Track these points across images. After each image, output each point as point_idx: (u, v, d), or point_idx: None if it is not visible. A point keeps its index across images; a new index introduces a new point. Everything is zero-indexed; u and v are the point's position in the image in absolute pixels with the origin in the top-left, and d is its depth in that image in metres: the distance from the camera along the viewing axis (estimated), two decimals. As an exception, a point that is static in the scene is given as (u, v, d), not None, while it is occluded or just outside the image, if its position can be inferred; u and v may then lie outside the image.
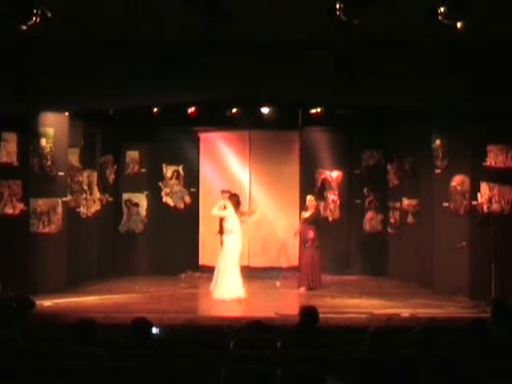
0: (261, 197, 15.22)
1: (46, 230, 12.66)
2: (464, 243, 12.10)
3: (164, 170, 15.66)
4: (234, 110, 14.38)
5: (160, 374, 5.59)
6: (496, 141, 11.98)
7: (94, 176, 14.51)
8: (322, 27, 9.19)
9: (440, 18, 8.51)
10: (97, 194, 14.64)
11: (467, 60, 11.12)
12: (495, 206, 11.98)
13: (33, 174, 12.45)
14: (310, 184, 15.35)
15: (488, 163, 12.02)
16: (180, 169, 15.69)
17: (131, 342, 6.35)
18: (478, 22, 8.90)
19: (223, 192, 13.65)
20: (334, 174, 15.70)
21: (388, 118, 14.35)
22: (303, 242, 13.58)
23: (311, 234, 13.26)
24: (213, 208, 12.89)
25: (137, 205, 15.61)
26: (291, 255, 14.97)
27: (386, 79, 11.31)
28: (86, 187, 14.16)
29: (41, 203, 12.60)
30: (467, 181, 12.44)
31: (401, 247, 14.67)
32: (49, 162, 12.66)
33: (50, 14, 8.65)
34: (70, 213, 13.25)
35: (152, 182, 15.64)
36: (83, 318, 6.92)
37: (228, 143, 15.53)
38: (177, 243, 15.17)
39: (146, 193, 15.64)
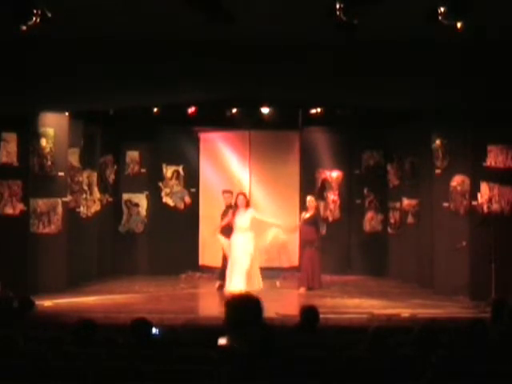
0: (261, 197, 15.20)
1: (46, 230, 12.66)
2: (464, 243, 12.11)
3: (164, 170, 15.66)
4: (234, 110, 14.38)
5: (160, 374, 5.58)
6: (496, 141, 11.97)
7: (94, 176, 14.51)
8: (322, 27, 9.20)
9: (440, 18, 8.52)
10: (97, 194, 14.64)
11: (467, 60, 11.12)
12: (495, 206, 11.97)
13: (33, 174, 12.44)
14: (310, 184, 15.35)
15: (488, 163, 12.01)
16: (180, 169, 15.69)
17: (131, 342, 6.34)
18: (478, 21, 8.91)
19: (225, 192, 13.63)
20: (334, 174, 15.70)
21: (388, 117, 14.35)
22: (304, 242, 13.57)
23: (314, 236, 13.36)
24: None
25: (137, 205, 15.61)
26: (291, 255, 14.97)
27: (386, 79, 11.31)
28: (86, 187, 14.16)
29: (41, 203, 12.60)
30: (467, 181, 12.43)
31: (401, 247, 14.67)
32: (49, 162, 12.66)
33: (50, 14, 8.66)
34: (70, 213, 13.25)
35: (152, 182, 15.64)
36: (83, 318, 6.92)
37: (228, 143, 15.53)
38: (177, 243, 15.17)
39: (146, 193, 15.64)
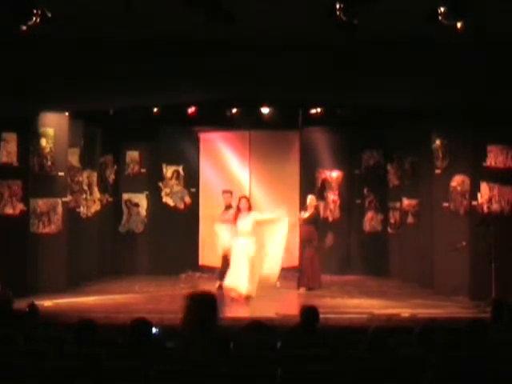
0: (261, 197, 15.19)
1: (46, 230, 12.66)
2: (464, 243, 12.10)
3: (164, 170, 15.67)
4: (234, 110, 14.39)
5: (160, 374, 5.58)
6: (496, 141, 11.97)
7: (94, 176, 14.51)
8: (322, 27, 9.20)
9: (440, 18, 8.52)
10: (97, 194, 14.64)
11: (467, 60, 11.12)
12: (495, 206, 11.97)
13: (33, 174, 12.45)
14: (310, 184, 15.34)
15: (488, 163, 12.01)
16: (180, 169, 15.70)
17: (131, 342, 6.34)
18: (478, 21, 8.91)
19: (225, 192, 13.61)
20: (334, 174, 15.71)
21: (388, 117, 14.36)
22: (303, 242, 13.56)
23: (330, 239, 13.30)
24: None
25: (137, 205, 15.62)
26: (291, 255, 14.95)
27: (386, 79, 11.31)
28: (85, 187, 14.17)
29: (41, 203, 12.60)
30: (467, 181, 12.43)
31: (401, 247, 14.67)
32: (49, 162, 12.66)
33: (50, 14, 8.66)
34: (70, 213, 13.25)
35: (152, 182, 15.65)
36: (83, 318, 6.92)
37: (228, 143, 15.53)
38: (177, 243, 15.17)
39: (146, 193, 15.65)
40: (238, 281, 12.14)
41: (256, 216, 12.48)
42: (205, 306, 5.33)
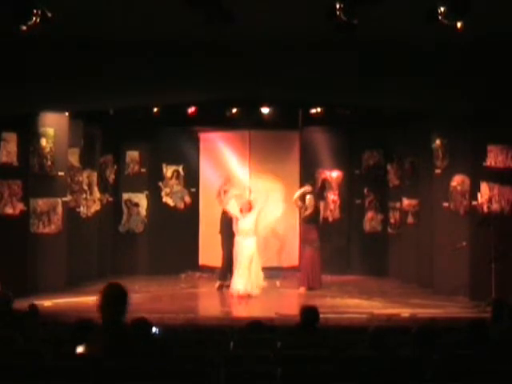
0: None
1: (46, 230, 12.67)
2: (464, 243, 12.11)
3: (164, 170, 15.67)
4: (234, 110, 14.38)
5: (160, 374, 5.58)
6: (496, 141, 11.96)
7: (94, 176, 14.51)
8: (322, 27, 9.19)
9: (440, 18, 8.52)
10: (97, 194, 14.64)
11: (467, 60, 11.12)
12: (495, 206, 11.96)
13: (33, 174, 12.45)
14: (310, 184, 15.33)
15: (488, 163, 12.00)
16: (180, 169, 15.70)
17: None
18: (478, 21, 8.91)
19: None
20: (334, 174, 15.70)
21: (388, 117, 14.35)
22: (304, 241, 13.58)
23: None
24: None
25: (137, 205, 15.61)
26: (291, 255, 14.96)
27: (386, 79, 11.31)
28: (86, 187, 14.17)
29: (41, 203, 12.60)
30: (467, 181, 12.44)
31: (401, 247, 14.67)
32: (49, 162, 12.67)
33: (50, 14, 8.66)
34: (70, 213, 13.26)
35: (152, 182, 15.64)
36: (83, 317, 6.92)
37: (228, 143, 15.53)
38: (177, 243, 15.17)
39: (146, 193, 15.65)
40: (242, 285, 12.36)
41: (255, 212, 12.84)
42: (111, 299, 5.40)
